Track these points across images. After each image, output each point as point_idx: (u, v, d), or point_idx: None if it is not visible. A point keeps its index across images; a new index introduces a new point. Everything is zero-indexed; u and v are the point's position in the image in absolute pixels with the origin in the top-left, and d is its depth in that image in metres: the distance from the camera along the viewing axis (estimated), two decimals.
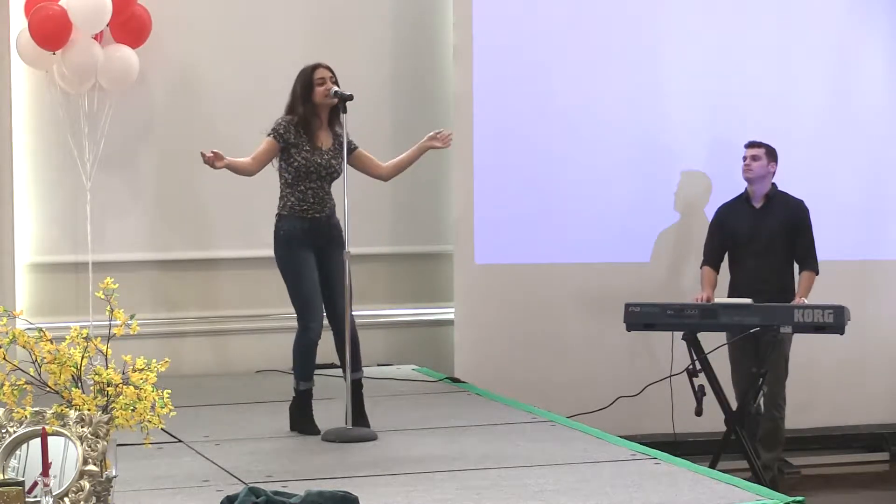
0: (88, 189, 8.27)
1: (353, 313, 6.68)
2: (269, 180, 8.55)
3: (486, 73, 8.60)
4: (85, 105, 8.22)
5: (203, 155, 6.56)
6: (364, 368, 6.86)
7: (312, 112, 6.67)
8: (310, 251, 6.64)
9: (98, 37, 8.11)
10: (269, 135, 6.69)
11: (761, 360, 7.70)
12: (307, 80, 6.68)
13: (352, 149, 6.73)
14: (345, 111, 6.61)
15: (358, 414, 6.67)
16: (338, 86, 6.66)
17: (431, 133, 6.80)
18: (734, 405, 7.77)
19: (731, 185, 8.31)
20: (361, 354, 6.78)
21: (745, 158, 8.00)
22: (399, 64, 8.93)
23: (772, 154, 7.99)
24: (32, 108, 8.42)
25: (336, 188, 6.72)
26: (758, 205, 8.00)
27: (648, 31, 8.89)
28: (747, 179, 8.00)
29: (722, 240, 8.10)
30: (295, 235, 6.64)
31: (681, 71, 8.89)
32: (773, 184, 8.02)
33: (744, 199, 8.05)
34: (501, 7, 8.68)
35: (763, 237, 7.93)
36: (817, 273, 7.91)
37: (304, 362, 6.72)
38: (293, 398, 6.76)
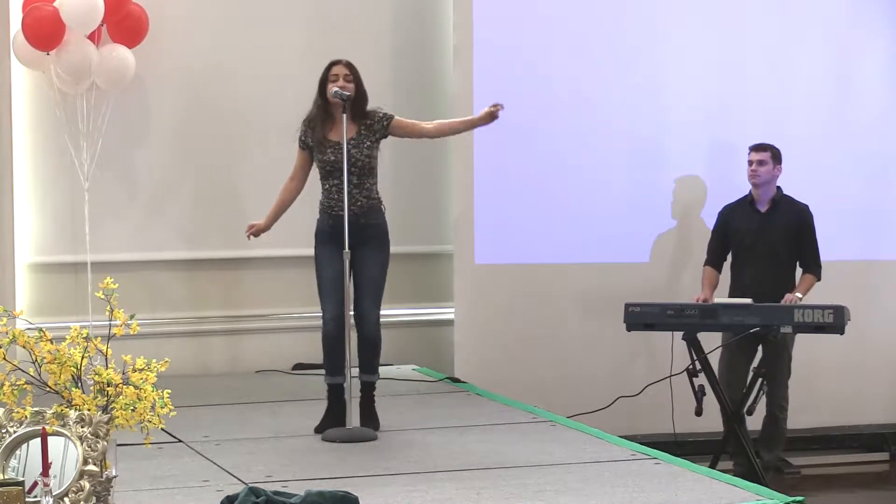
0: (86, 189, 8.26)
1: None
2: (269, 181, 8.57)
3: (486, 73, 8.59)
4: (83, 105, 8.21)
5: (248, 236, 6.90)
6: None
7: (324, 108, 6.69)
8: (334, 247, 6.61)
9: (94, 37, 8.09)
10: (298, 145, 6.78)
11: (765, 361, 7.70)
12: (323, 76, 6.72)
13: (387, 122, 6.70)
14: (345, 111, 6.60)
15: (366, 414, 6.67)
16: (356, 83, 6.64)
17: (490, 109, 6.76)
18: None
19: (730, 187, 8.32)
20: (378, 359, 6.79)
21: (750, 163, 7.94)
22: (399, 64, 8.92)
23: (777, 157, 7.95)
24: (30, 109, 8.42)
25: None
26: (763, 209, 7.98)
27: (649, 31, 8.88)
28: (753, 184, 7.97)
29: (725, 241, 8.08)
30: (320, 232, 6.73)
31: (681, 71, 8.89)
32: (778, 187, 8.00)
33: (748, 201, 8.02)
34: (501, 7, 8.67)
35: (768, 242, 7.91)
36: (819, 279, 7.89)
37: (326, 356, 6.70)
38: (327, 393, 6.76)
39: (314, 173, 6.78)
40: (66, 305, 8.31)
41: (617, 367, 8.68)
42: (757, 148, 7.97)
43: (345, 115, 6.58)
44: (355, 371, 6.66)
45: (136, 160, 8.59)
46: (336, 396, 6.68)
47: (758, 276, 7.90)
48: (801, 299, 7.73)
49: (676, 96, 8.89)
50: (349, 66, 6.70)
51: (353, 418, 6.59)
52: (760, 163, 7.92)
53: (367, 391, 6.75)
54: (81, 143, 8.22)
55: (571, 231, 8.76)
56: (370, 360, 6.72)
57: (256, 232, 6.87)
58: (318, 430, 6.63)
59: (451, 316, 8.70)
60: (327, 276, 6.65)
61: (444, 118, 8.76)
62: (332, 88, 6.63)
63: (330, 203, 6.67)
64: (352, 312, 6.65)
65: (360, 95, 6.69)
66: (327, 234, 6.67)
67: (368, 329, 6.69)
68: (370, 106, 6.73)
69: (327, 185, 6.67)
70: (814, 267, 7.93)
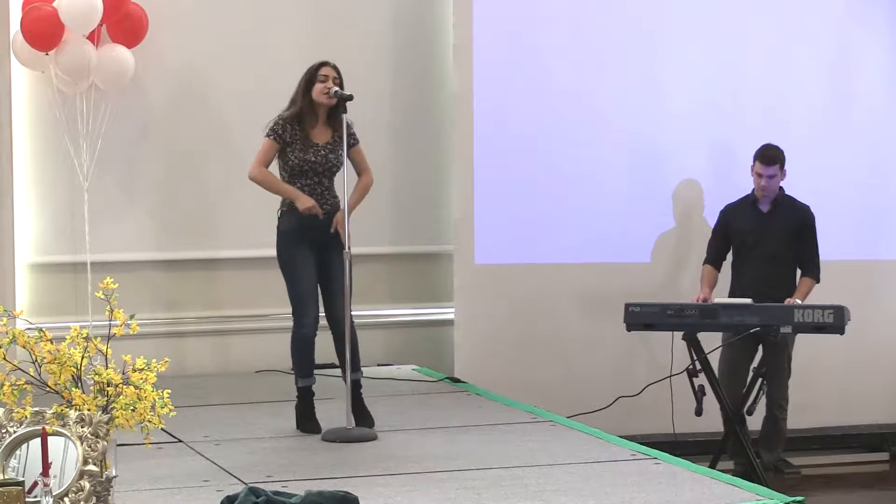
0: (86, 189, 8.26)
1: (353, 313, 6.67)
2: None
3: (486, 73, 8.59)
4: (82, 105, 8.20)
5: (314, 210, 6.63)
6: (364, 368, 6.88)
7: (309, 108, 6.68)
8: (308, 248, 6.65)
9: (93, 37, 8.09)
10: (267, 135, 6.71)
11: (765, 361, 7.70)
12: (310, 76, 6.71)
13: (352, 143, 6.73)
14: (345, 111, 6.61)
15: (360, 413, 6.68)
16: (342, 87, 6.66)
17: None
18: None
19: (731, 186, 8.31)
20: (360, 355, 6.78)
21: (759, 175, 7.88)
22: (399, 64, 8.92)
23: (784, 163, 7.86)
24: (30, 109, 8.41)
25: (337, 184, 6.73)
26: (765, 209, 7.96)
27: (649, 31, 8.88)
28: (761, 196, 7.94)
29: (726, 240, 8.07)
30: (294, 232, 6.67)
31: (681, 71, 8.89)
32: (781, 187, 7.98)
33: (751, 201, 7.99)
34: (501, 7, 8.67)
35: (770, 242, 7.89)
36: (818, 281, 7.87)
37: (302, 360, 6.74)
38: (297, 397, 6.77)
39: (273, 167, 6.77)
40: (66, 305, 8.31)
41: (617, 367, 8.67)
42: (766, 161, 7.84)
43: (345, 116, 6.59)
44: (339, 371, 6.67)
45: (136, 160, 8.58)
46: (309, 397, 6.73)
47: (759, 275, 7.89)
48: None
49: (677, 96, 8.88)
50: (337, 69, 6.71)
51: (352, 418, 6.58)
52: (771, 177, 7.87)
53: (356, 389, 6.74)
54: (81, 143, 8.22)
55: (571, 231, 8.76)
56: (353, 358, 6.69)
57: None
58: (304, 429, 6.66)
59: (451, 316, 8.70)
60: (308, 278, 6.66)
61: (444, 118, 8.83)
62: (332, 88, 6.62)
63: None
64: (322, 314, 6.69)
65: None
66: (299, 234, 6.65)
67: (345, 328, 6.66)
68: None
69: (298, 185, 6.66)
70: (813, 269, 7.92)
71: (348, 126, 6.70)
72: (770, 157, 7.86)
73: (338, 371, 6.77)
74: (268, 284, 8.64)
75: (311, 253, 6.66)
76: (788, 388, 7.98)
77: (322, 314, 6.76)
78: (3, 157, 8.29)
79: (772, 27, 9.05)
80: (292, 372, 8.15)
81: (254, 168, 6.75)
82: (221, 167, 8.66)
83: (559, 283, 8.72)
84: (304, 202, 6.59)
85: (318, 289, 6.74)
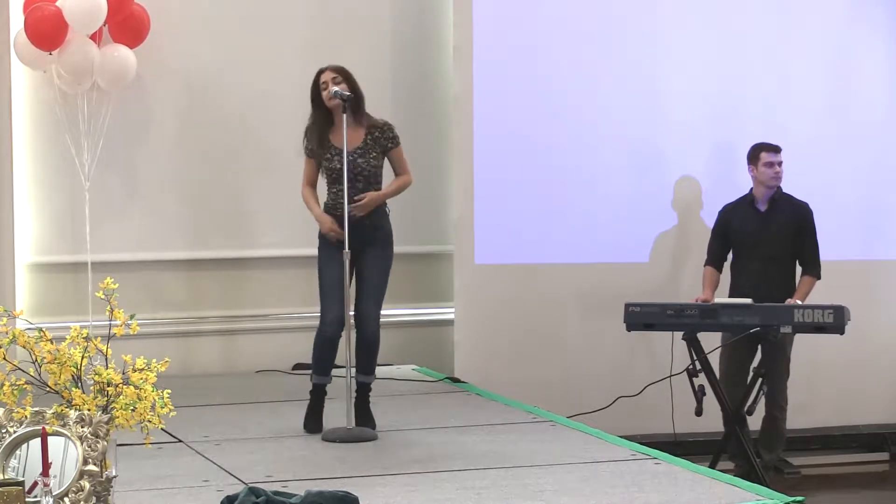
0: (87, 189, 8.26)
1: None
2: (268, 181, 8.57)
3: (486, 73, 8.59)
4: (84, 105, 8.21)
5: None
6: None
7: (325, 117, 6.68)
8: (339, 249, 6.61)
9: (95, 36, 8.09)
10: (304, 154, 6.74)
11: (764, 360, 7.70)
12: (315, 86, 6.70)
13: (392, 146, 6.71)
14: (345, 111, 6.60)
15: (363, 416, 6.67)
16: (348, 83, 6.63)
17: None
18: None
19: (731, 186, 8.32)
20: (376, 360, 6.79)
21: (770, 164, 7.90)
22: (399, 64, 8.92)
23: None
24: (31, 109, 8.42)
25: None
26: (763, 208, 7.97)
27: (649, 30, 8.88)
28: (773, 186, 7.95)
29: (725, 241, 8.07)
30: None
31: (681, 71, 8.89)
32: (779, 186, 8.00)
33: (749, 201, 8.01)
34: (501, 7, 8.68)
35: (770, 240, 7.90)
36: (818, 278, 7.89)
37: (319, 357, 6.73)
38: (310, 392, 6.77)
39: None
40: (66, 305, 8.31)
41: (617, 367, 8.67)
42: (773, 149, 7.94)
43: (345, 116, 6.58)
44: (341, 371, 6.66)
45: (137, 160, 8.59)
46: (321, 395, 6.73)
47: (760, 275, 7.90)
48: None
49: (676, 96, 8.89)
50: (337, 70, 6.69)
51: (352, 418, 6.59)
52: (780, 164, 7.91)
53: (364, 392, 6.75)
54: (82, 143, 8.23)
55: (571, 231, 8.76)
56: (369, 361, 6.73)
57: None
58: (307, 427, 6.67)
59: (451, 316, 8.71)
60: (331, 277, 6.65)
61: (444, 118, 8.83)
62: (333, 89, 6.61)
63: (336, 205, 6.66)
64: (351, 312, 6.66)
65: (356, 96, 6.68)
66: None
67: (370, 330, 6.69)
68: (383, 117, 6.73)
69: (335, 190, 6.66)
70: (813, 267, 7.92)
71: (390, 128, 6.72)
72: (775, 145, 7.94)
73: (340, 371, 6.76)
74: (269, 285, 8.67)
75: (342, 252, 6.62)
76: (787, 388, 7.98)
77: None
78: (4, 156, 8.29)
79: (772, 27, 9.06)
80: (293, 372, 8.18)
81: (302, 188, 6.77)
82: (222, 167, 8.66)
83: (559, 283, 8.72)
84: (322, 226, 6.66)
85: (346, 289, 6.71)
